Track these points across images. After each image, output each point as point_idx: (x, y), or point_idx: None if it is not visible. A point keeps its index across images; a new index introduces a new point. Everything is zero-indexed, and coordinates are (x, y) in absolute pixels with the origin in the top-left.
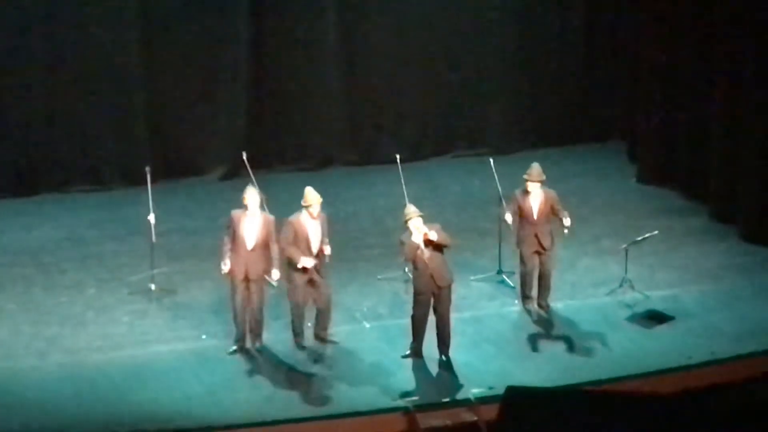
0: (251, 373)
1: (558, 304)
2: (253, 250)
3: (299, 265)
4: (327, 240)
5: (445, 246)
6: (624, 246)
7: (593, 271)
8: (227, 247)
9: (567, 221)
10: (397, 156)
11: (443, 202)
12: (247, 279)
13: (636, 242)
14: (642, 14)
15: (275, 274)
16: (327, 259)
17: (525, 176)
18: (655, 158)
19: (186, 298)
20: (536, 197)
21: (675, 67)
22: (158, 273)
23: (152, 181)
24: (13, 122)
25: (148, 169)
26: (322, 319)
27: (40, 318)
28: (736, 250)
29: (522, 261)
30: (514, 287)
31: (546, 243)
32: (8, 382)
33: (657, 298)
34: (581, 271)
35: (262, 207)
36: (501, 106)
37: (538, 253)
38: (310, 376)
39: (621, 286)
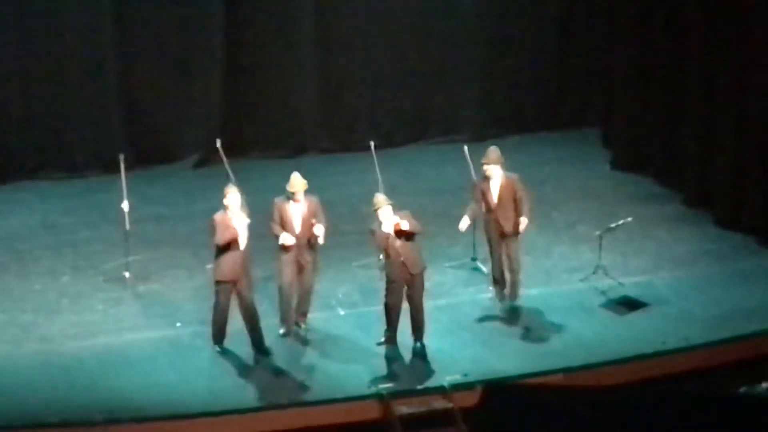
0: (226, 360)
1: (532, 290)
2: (246, 249)
3: (279, 242)
4: (319, 224)
5: (417, 233)
6: (598, 232)
7: (567, 258)
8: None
9: (523, 223)
10: (372, 143)
11: (418, 189)
12: (236, 281)
13: (610, 229)
14: (617, 1)
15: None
16: (319, 242)
17: (483, 160)
18: (629, 145)
19: (160, 285)
20: (496, 182)
21: (649, 54)
22: (132, 261)
23: (126, 169)
24: None
25: (121, 156)
26: (300, 303)
27: (14, 305)
28: (710, 236)
29: (489, 246)
30: (487, 274)
31: (507, 229)
32: None
33: (631, 284)
34: (556, 257)
35: (242, 205)
36: (475, 93)
37: (502, 236)
38: (285, 363)
39: (595, 272)
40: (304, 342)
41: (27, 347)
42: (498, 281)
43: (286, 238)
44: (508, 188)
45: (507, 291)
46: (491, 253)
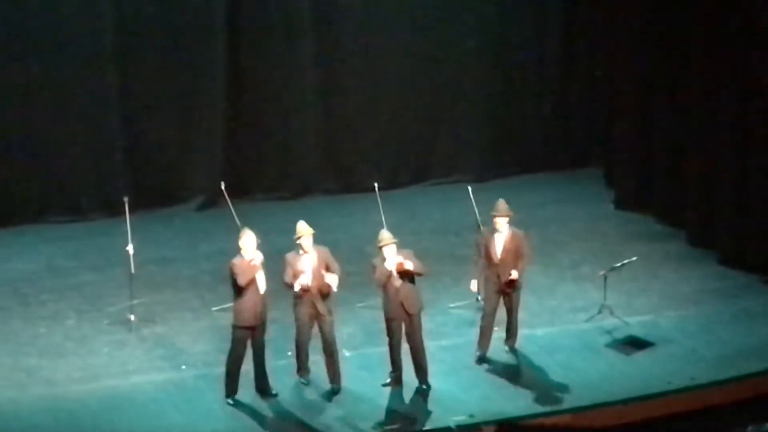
0: (231, 403)
1: (537, 330)
2: (264, 293)
3: (295, 288)
4: (332, 273)
5: (419, 274)
6: (603, 272)
7: (572, 298)
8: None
9: (513, 275)
10: (375, 184)
11: (422, 229)
12: (255, 327)
13: (615, 268)
14: (618, 42)
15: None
16: (333, 290)
17: (492, 213)
18: (632, 184)
19: (165, 328)
20: (501, 235)
21: (651, 94)
22: (137, 303)
23: (130, 212)
24: None
25: (125, 199)
26: (328, 362)
27: (19, 349)
28: (714, 274)
29: (484, 302)
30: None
31: (509, 283)
32: None
33: (636, 323)
34: (560, 297)
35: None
36: (478, 134)
37: (501, 292)
38: (291, 405)
39: (600, 312)
40: (309, 383)
41: (32, 391)
42: (484, 333)
43: (304, 279)
44: (513, 243)
45: (507, 339)
46: (485, 302)
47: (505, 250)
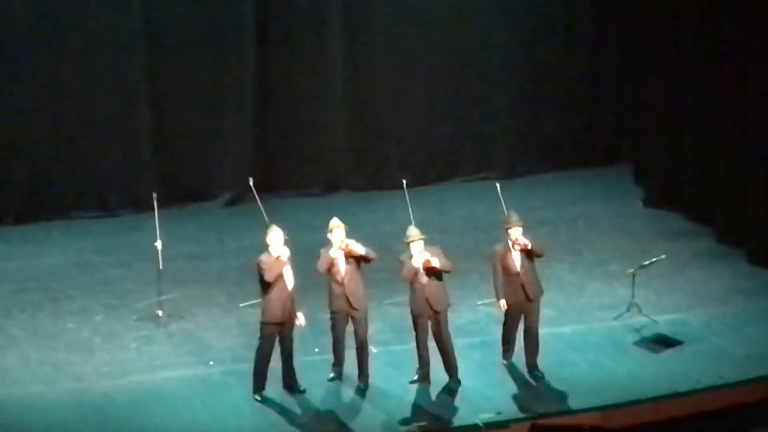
0: (258, 399)
1: (565, 328)
2: (293, 289)
3: (322, 264)
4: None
5: (446, 271)
6: (631, 270)
7: (600, 296)
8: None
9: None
10: (404, 181)
11: (450, 226)
12: (283, 323)
13: (643, 266)
14: (648, 39)
15: (301, 318)
16: (364, 255)
17: (505, 225)
18: (661, 182)
19: (193, 324)
20: (518, 244)
21: (681, 91)
22: (165, 299)
23: (159, 207)
24: (19, 149)
25: (154, 195)
26: (360, 362)
27: (48, 344)
28: (744, 273)
29: (505, 315)
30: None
31: (531, 292)
32: (16, 409)
33: (664, 322)
34: (589, 295)
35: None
36: (507, 130)
37: (522, 306)
38: (318, 401)
39: (628, 310)
40: (335, 379)
41: (60, 386)
42: (508, 343)
43: (332, 250)
44: (527, 251)
45: (528, 356)
46: (508, 316)
47: (523, 258)
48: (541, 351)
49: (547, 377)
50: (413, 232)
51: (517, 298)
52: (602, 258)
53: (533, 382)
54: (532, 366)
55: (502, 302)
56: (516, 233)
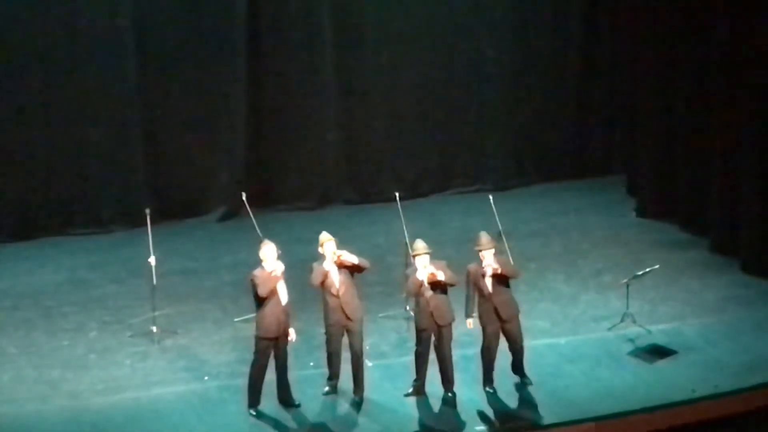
0: (253, 414)
1: (560, 339)
2: (287, 304)
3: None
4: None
5: (451, 285)
6: (625, 280)
7: (595, 306)
8: None
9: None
10: (397, 193)
11: (443, 238)
12: (278, 338)
13: (637, 276)
14: (640, 50)
15: (292, 333)
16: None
17: (476, 248)
18: (654, 192)
19: (188, 339)
20: (489, 267)
21: (673, 101)
22: (160, 315)
23: (152, 223)
24: (11, 166)
25: (147, 210)
26: (354, 375)
27: (42, 361)
28: (738, 282)
29: (483, 335)
30: None
31: (505, 314)
32: (11, 427)
33: (659, 332)
34: (583, 305)
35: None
36: (499, 142)
37: (497, 328)
38: (313, 415)
39: (623, 320)
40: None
41: (55, 403)
42: (489, 379)
43: (326, 263)
44: (498, 275)
45: (515, 371)
46: (487, 341)
47: (494, 281)
48: (535, 362)
49: (542, 388)
50: (419, 245)
51: (491, 320)
52: (596, 269)
53: (522, 387)
54: (522, 379)
55: (469, 321)
56: (487, 257)
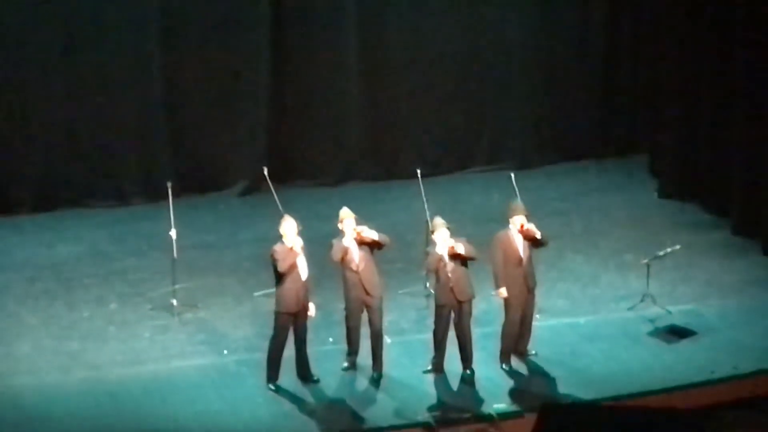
0: (272, 389)
1: (580, 319)
2: (307, 279)
3: (338, 253)
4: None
5: (471, 259)
6: (646, 261)
7: (615, 286)
8: None
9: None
10: (418, 171)
11: (464, 216)
12: (297, 313)
13: (658, 257)
14: (663, 30)
15: (312, 309)
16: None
17: (509, 214)
18: (676, 172)
19: (207, 313)
20: (520, 236)
21: (696, 81)
22: (180, 288)
23: (173, 197)
24: (34, 138)
25: (169, 184)
26: (374, 350)
27: (62, 333)
28: (759, 264)
29: (507, 308)
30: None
31: (531, 283)
32: (31, 398)
33: (679, 312)
34: (603, 285)
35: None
36: (521, 121)
37: (522, 297)
38: (332, 391)
39: (643, 300)
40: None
41: (75, 374)
42: (507, 349)
43: (346, 239)
44: (533, 239)
45: (520, 344)
46: (510, 309)
47: (525, 248)
48: (555, 341)
49: (560, 367)
50: (438, 221)
51: (519, 289)
52: (617, 249)
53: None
54: (522, 351)
55: (503, 290)
56: (523, 221)
